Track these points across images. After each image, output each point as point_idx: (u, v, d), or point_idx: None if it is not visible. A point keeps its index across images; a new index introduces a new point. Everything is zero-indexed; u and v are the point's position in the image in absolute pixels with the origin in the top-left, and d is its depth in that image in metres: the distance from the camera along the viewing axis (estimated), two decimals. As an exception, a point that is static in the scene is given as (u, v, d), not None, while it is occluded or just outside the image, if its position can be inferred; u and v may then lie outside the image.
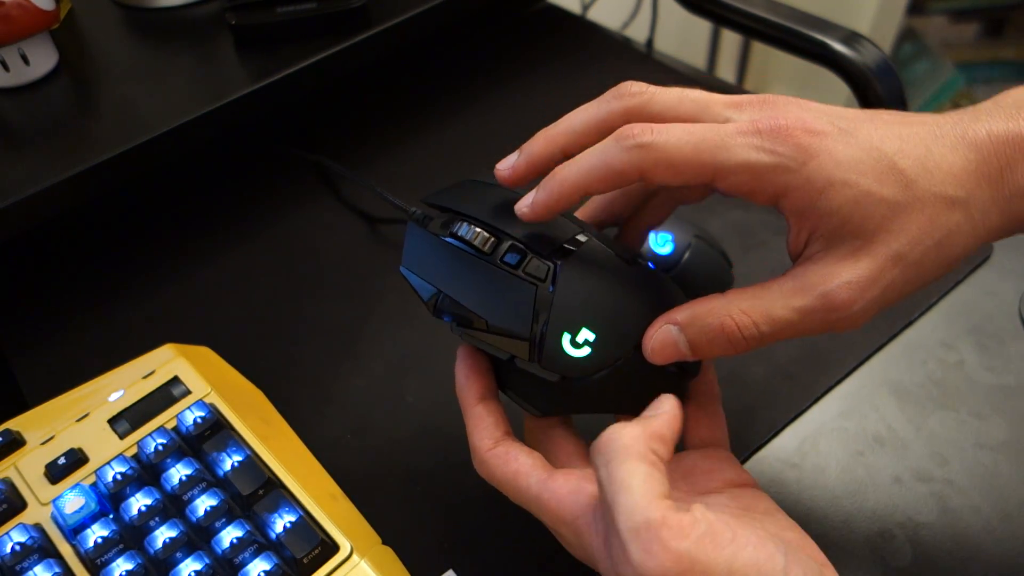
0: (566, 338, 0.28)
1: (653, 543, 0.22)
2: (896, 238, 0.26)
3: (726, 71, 1.48)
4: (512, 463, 0.29)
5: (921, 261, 0.26)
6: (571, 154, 0.29)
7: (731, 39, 1.44)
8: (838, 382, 0.41)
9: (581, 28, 0.68)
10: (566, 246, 0.30)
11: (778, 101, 0.28)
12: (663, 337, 0.28)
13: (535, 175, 0.30)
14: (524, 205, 0.29)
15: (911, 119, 0.27)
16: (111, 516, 0.34)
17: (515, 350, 0.29)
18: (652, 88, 0.29)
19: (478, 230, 0.30)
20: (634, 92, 0.29)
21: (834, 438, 0.39)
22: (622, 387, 0.29)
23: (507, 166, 0.31)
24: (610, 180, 0.27)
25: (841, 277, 0.26)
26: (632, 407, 0.29)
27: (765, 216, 0.49)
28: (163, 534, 0.32)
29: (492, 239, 0.30)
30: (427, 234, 0.31)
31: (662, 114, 0.28)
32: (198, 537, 0.33)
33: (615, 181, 0.27)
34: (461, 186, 0.34)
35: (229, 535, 0.32)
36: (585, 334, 0.28)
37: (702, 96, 0.29)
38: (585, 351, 0.28)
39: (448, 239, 0.31)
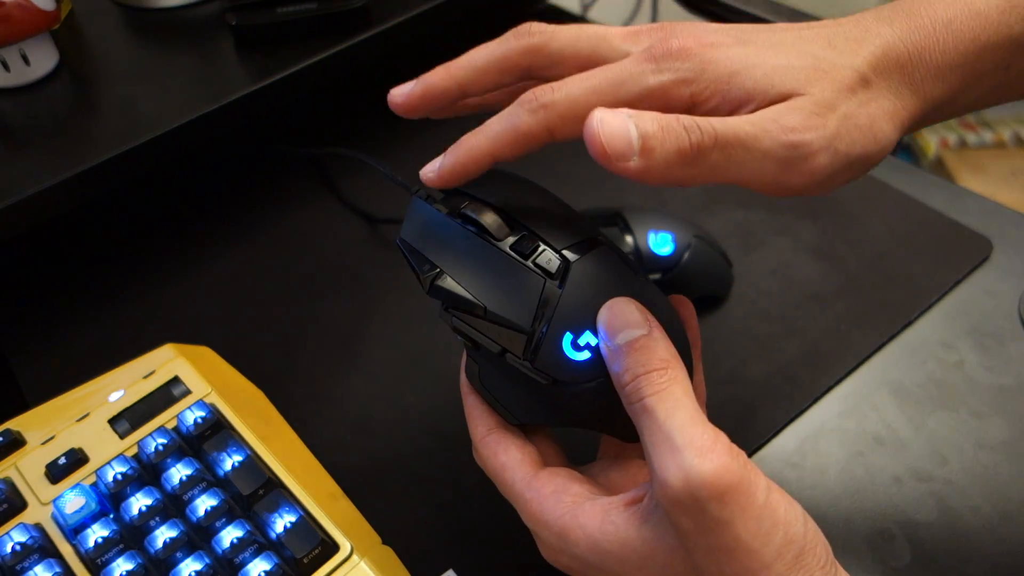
0: (568, 339, 0.27)
1: (709, 451, 0.23)
2: (823, 89, 0.26)
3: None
4: (501, 455, 0.29)
5: (851, 132, 0.26)
6: (468, 91, 0.29)
7: (731, 39, 1.43)
8: (838, 382, 0.41)
9: (581, 28, 0.67)
10: (580, 245, 0.28)
11: (674, 26, 0.28)
12: (615, 123, 0.24)
13: (428, 107, 0.30)
14: (430, 170, 0.28)
15: (808, 24, 0.28)
16: (111, 516, 0.34)
17: (510, 343, 0.27)
18: (551, 27, 0.29)
19: (490, 212, 0.28)
20: (534, 31, 0.29)
21: (834, 438, 0.39)
22: (611, 401, 0.27)
23: (402, 92, 0.30)
24: (519, 143, 0.27)
25: (787, 122, 0.25)
26: (615, 426, 0.28)
27: (765, 216, 0.49)
28: (163, 534, 0.32)
29: (504, 224, 0.28)
30: (433, 210, 0.30)
31: (561, 51, 0.29)
32: (198, 537, 0.33)
33: (524, 144, 0.27)
34: None
35: (229, 535, 0.32)
36: (588, 337, 0.27)
37: (599, 30, 0.29)
38: (584, 355, 0.27)
39: (455, 218, 0.29)
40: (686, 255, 0.42)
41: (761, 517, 0.23)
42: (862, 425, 0.39)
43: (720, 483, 0.22)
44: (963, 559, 0.34)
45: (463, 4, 0.54)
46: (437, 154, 0.31)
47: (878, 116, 0.27)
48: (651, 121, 0.24)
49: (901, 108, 0.27)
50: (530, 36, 0.29)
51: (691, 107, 0.27)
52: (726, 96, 0.26)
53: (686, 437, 0.23)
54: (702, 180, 0.25)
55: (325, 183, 0.55)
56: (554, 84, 0.27)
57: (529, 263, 0.28)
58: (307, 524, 0.33)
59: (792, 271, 0.46)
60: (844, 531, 0.35)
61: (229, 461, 0.34)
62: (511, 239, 0.28)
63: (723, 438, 0.24)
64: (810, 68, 0.26)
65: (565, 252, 0.28)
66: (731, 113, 0.26)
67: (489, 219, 0.28)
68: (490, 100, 0.33)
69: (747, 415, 0.40)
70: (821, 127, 0.25)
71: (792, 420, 0.40)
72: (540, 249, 0.28)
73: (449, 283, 0.28)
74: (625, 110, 0.25)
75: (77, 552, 0.33)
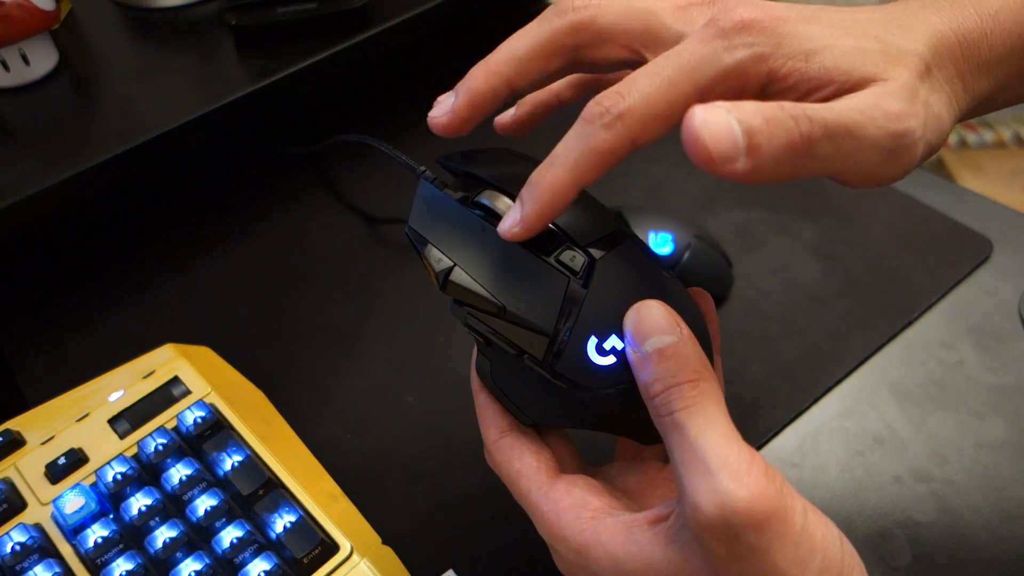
0: (592, 343, 0.25)
1: (745, 475, 0.21)
2: (901, 74, 0.24)
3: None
4: (515, 461, 0.27)
5: (931, 121, 0.24)
6: (516, 86, 0.27)
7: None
8: (838, 382, 0.41)
9: (581, 28, 0.67)
10: (604, 240, 0.26)
11: (727, 0, 0.25)
12: (718, 121, 0.21)
13: (478, 118, 0.27)
14: (512, 224, 0.25)
15: (858, 8, 0.26)
16: (111, 516, 0.34)
17: (529, 346, 0.26)
18: (594, 1, 0.26)
19: (509, 202, 0.26)
20: (577, 6, 0.26)
21: (834, 438, 0.39)
22: (634, 407, 0.25)
23: (443, 111, 0.27)
24: (603, 164, 0.24)
25: (890, 109, 0.23)
26: (635, 430, 0.27)
27: (765, 216, 0.49)
28: (163, 534, 0.32)
29: None
30: (445, 196, 0.27)
31: (612, 28, 0.26)
32: (198, 537, 0.33)
33: (609, 163, 0.24)
34: (485, 152, 0.30)
35: (229, 535, 0.32)
36: (614, 341, 0.25)
37: (647, 4, 0.26)
38: (609, 360, 0.25)
39: (470, 206, 0.27)
40: (686, 255, 0.42)
41: (799, 543, 0.22)
42: (862, 425, 0.39)
43: (757, 510, 0.21)
44: (963, 559, 0.34)
45: (463, 4, 0.54)
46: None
47: (943, 106, 0.25)
48: (754, 114, 0.21)
49: (955, 100, 0.25)
50: (574, 12, 0.26)
51: (767, 86, 0.24)
52: (804, 75, 0.23)
53: (720, 458, 0.22)
54: (804, 174, 0.23)
55: (325, 183, 0.55)
56: (620, 88, 0.24)
57: (551, 260, 0.26)
58: (307, 524, 0.33)
59: (792, 271, 0.46)
60: (844, 531, 0.35)
61: (229, 461, 0.34)
62: None
63: (759, 459, 0.22)
64: (881, 53, 0.24)
65: (590, 248, 0.26)
66: (807, 95, 0.24)
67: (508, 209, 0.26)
68: (559, 96, 0.31)
69: (747, 415, 0.40)
70: (916, 115, 0.23)
71: (792, 420, 0.40)
72: (563, 245, 0.26)
73: (465, 279, 0.26)
74: (723, 104, 0.21)
75: (77, 552, 0.33)
